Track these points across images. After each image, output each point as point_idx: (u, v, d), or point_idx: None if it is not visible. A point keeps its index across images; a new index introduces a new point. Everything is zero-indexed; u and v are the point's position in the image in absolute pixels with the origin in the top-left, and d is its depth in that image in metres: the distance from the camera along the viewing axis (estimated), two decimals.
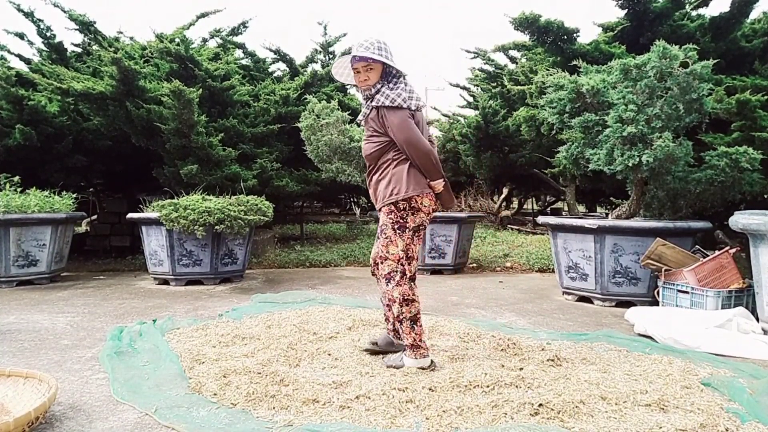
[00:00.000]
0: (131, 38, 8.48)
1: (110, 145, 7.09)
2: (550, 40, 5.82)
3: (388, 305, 2.87)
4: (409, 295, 2.75)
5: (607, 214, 5.79)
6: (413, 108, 2.74)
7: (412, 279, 2.80)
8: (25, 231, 5.40)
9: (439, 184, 2.80)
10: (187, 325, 3.72)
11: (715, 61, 4.44)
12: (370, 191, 2.91)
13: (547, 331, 3.69)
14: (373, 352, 2.99)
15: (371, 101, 2.77)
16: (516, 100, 7.73)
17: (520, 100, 7.36)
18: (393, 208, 2.74)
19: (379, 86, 2.75)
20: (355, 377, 2.63)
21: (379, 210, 2.82)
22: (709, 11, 6.32)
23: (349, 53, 2.89)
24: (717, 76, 5.13)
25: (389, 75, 2.78)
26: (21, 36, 7.61)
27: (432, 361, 2.79)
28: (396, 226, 2.75)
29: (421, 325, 2.78)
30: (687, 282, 4.03)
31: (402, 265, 2.76)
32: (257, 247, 7.24)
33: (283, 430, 2.10)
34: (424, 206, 2.76)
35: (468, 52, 10.47)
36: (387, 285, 2.78)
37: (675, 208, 4.79)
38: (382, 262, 2.80)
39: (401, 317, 2.74)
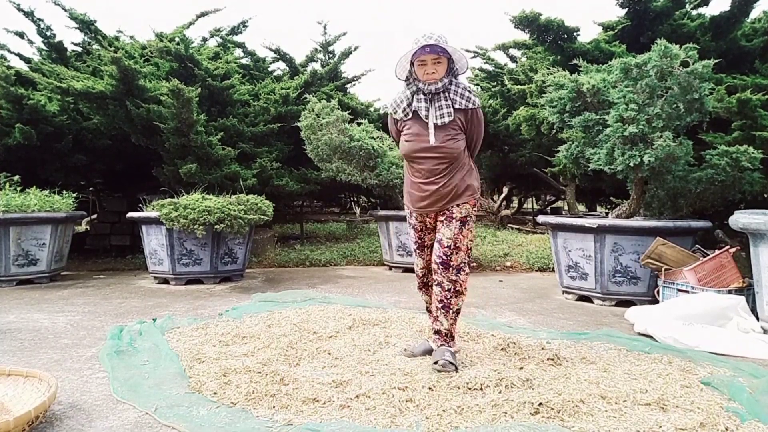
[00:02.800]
0: (131, 37, 8.48)
1: (110, 144, 7.09)
2: (551, 38, 5.82)
3: (443, 306, 2.80)
4: (465, 288, 2.85)
5: (607, 214, 5.79)
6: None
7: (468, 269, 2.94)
8: (25, 230, 5.40)
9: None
10: (187, 324, 3.72)
11: (715, 60, 4.44)
12: (445, 189, 2.74)
13: (547, 330, 3.69)
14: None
15: (463, 101, 2.73)
16: (516, 100, 7.73)
17: (520, 99, 7.36)
18: (467, 208, 2.81)
19: (446, 81, 2.69)
20: (355, 376, 2.62)
21: (462, 203, 2.78)
22: (710, 10, 6.33)
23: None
24: (717, 75, 5.13)
25: (452, 71, 2.75)
26: (21, 35, 7.61)
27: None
28: (472, 220, 2.84)
29: None
30: (687, 281, 4.03)
31: (469, 257, 2.87)
32: (257, 247, 7.24)
33: (283, 429, 2.10)
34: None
35: (468, 51, 10.46)
36: (459, 275, 2.80)
37: (675, 208, 4.79)
38: (455, 253, 2.75)
39: (458, 308, 2.84)
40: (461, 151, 2.76)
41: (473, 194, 2.83)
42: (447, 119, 2.71)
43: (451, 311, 2.82)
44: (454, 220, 2.76)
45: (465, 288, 2.85)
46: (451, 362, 2.69)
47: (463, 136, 2.78)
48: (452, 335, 2.85)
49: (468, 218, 2.82)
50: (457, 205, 2.78)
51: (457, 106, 2.72)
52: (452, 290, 2.79)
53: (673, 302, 3.84)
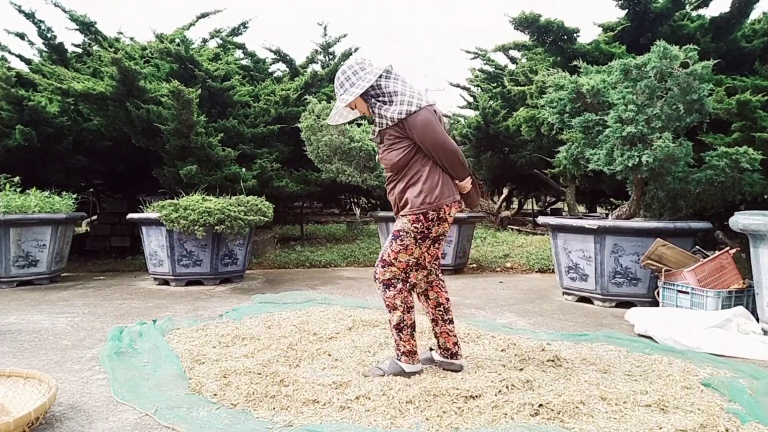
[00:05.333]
0: (131, 38, 8.48)
1: (110, 145, 7.09)
2: (551, 39, 5.82)
3: (434, 319, 2.80)
4: (411, 302, 2.70)
5: (607, 215, 5.79)
6: (431, 102, 2.63)
7: (413, 287, 2.77)
8: (25, 231, 5.40)
9: (467, 183, 2.71)
10: (187, 325, 3.72)
11: (715, 61, 4.44)
12: (393, 198, 2.74)
13: (547, 331, 3.69)
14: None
15: (381, 121, 2.66)
16: (516, 101, 7.73)
17: (520, 100, 7.36)
18: (421, 217, 2.59)
19: (375, 108, 2.65)
20: (355, 378, 2.63)
21: (402, 216, 2.66)
22: (710, 11, 6.34)
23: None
24: (717, 76, 5.13)
25: (370, 92, 2.66)
26: (21, 36, 7.62)
27: (422, 368, 2.75)
28: (419, 236, 2.62)
29: (412, 334, 2.71)
30: (687, 282, 4.03)
31: (406, 273, 2.70)
32: (257, 248, 7.24)
33: (283, 431, 2.10)
34: (450, 216, 2.67)
35: (468, 52, 10.48)
36: (387, 291, 2.67)
37: (675, 209, 4.79)
38: (384, 267, 2.67)
39: (402, 325, 2.66)
40: (404, 159, 2.61)
41: (412, 208, 2.59)
42: (372, 135, 2.81)
43: (402, 331, 2.67)
44: (401, 232, 2.65)
45: (397, 305, 2.65)
46: (378, 368, 2.70)
47: (403, 144, 2.61)
48: (413, 351, 2.68)
49: (401, 233, 2.63)
50: (404, 216, 2.65)
51: (382, 127, 2.67)
52: (388, 306, 2.70)
53: (673, 314, 3.80)
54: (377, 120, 2.67)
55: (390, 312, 2.69)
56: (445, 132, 2.65)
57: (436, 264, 2.83)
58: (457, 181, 2.70)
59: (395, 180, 2.71)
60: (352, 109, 2.79)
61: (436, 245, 2.75)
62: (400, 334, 2.67)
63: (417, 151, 2.62)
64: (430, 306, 2.82)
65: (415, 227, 2.62)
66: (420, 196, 2.59)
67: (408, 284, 2.71)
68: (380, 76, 2.65)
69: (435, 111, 2.66)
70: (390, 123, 2.61)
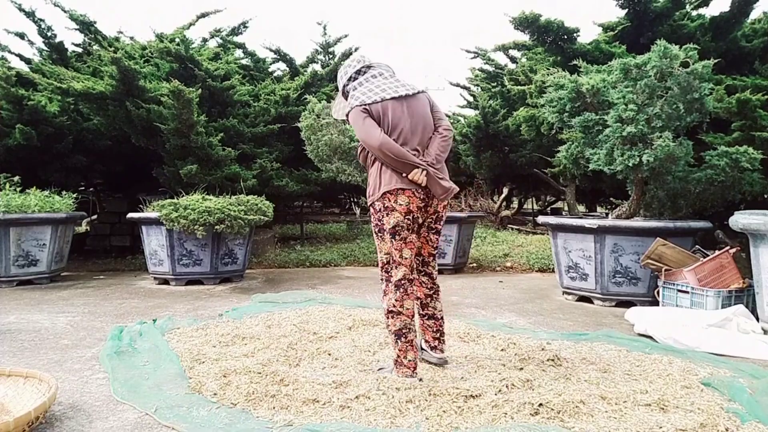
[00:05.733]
0: (131, 38, 8.48)
1: (110, 145, 7.09)
2: (550, 39, 5.82)
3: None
4: (393, 306, 2.59)
5: (607, 214, 5.79)
6: (365, 102, 2.62)
7: (398, 287, 2.60)
8: (25, 231, 5.40)
9: (415, 176, 2.55)
10: (187, 324, 3.72)
11: (715, 60, 4.44)
12: None
13: (547, 331, 3.69)
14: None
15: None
16: (516, 100, 7.72)
17: (520, 99, 7.36)
18: (372, 210, 2.66)
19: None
20: (355, 377, 2.62)
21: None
22: (710, 11, 6.33)
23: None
24: (717, 75, 5.13)
25: (345, 91, 2.82)
26: (21, 36, 7.62)
27: (420, 380, 2.58)
28: (376, 229, 2.66)
29: (407, 342, 2.57)
30: (687, 282, 4.03)
31: (387, 272, 2.65)
32: (257, 247, 7.24)
33: (283, 430, 2.10)
34: (400, 205, 2.56)
35: (468, 51, 10.48)
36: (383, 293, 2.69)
37: (675, 208, 4.79)
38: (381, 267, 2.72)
39: (387, 329, 2.64)
40: (362, 158, 2.76)
41: (369, 201, 2.68)
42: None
43: (390, 335, 2.64)
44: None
45: (388, 309, 2.60)
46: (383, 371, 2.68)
47: (360, 145, 2.77)
48: (398, 362, 2.59)
49: (376, 227, 2.68)
50: None
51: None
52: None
53: (673, 313, 3.81)
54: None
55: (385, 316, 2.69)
56: (372, 130, 2.57)
57: (418, 260, 2.80)
58: (404, 175, 2.58)
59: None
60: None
61: (398, 239, 2.59)
62: (395, 341, 2.61)
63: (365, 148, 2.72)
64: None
65: (372, 221, 2.70)
66: (369, 190, 2.69)
67: (391, 284, 2.62)
68: (349, 78, 2.80)
69: (370, 108, 2.61)
70: (344, 119, 2.78)
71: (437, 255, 2.89)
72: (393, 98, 2.65)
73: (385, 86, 2.69)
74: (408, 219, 2.60)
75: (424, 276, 2.83)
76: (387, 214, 2.59)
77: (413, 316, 2.64)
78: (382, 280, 2.69)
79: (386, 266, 2.67)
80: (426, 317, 2.83)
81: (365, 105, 2.62)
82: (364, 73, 2.79)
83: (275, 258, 7.09)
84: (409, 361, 2.59)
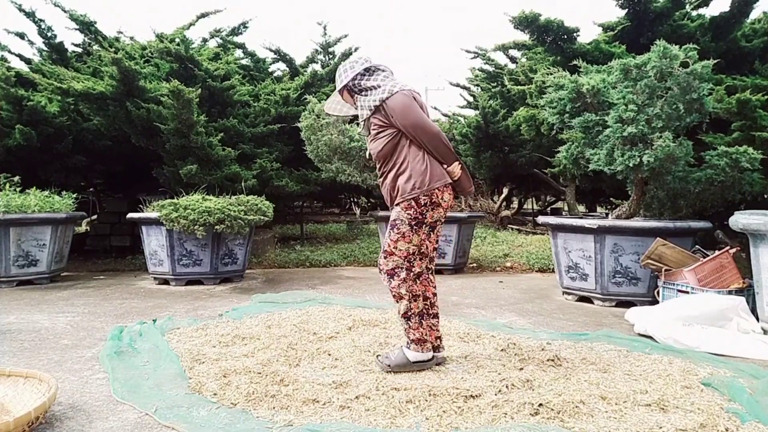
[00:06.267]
0: (131, 38, 8.48)
1: (110, 145, 7.09)
2: (550, 39, 5.82)
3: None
4: (417, 291, 2.71)
5: (607, 214, 5.79)
6: (407, 88, 2.69)
7: (419, 276, 2.74)
8: (25, 231, 5.40)
9: (456, 168, 2.70)
10: (187, 324, 3.72)
11: (715, 60, 4.44)
12: (385, 189, 2.81)
13: (547, 331, 3.69)
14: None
15: (362, 112, 2.79)
16: (516, 100, 7.73)
17: (520, 99, 7.36)
18: (413, 203, 2.64)
19: (357, 102, 2.80)
20: (355, 377, 2.63)
21: (395, 205, 2.74)
22: (709, 11, 6.33)
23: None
24: (717, 75, 5.13)
25: (356, 86, 2.78)
26: (21, 36, 7.62)
27: (434, 356, 2.78)
28: (414, 222, 2.67)
29: (429, 323, 2.75)
30: (687, 282, 4.03)
31: (409, 261, 2.71)
32: (257, 247, 7.24)
33: (283, 430, 2.10)
34: (444, 201, 2.69)
35: (468, 51, 10.48)
36: (391, 281, 2.70)
37: (675, 208, 4.79)
38: (386, 257, 2.72)
39: (409, 313, 2.70)
40: (388, 146, 2.70)
41: (403, 195, 2.66)
42: (360, 129, 2.87)
43: (411, 320, 2.71)
44: (396, 221, 2.71)
45: (402, 294, 2.69)
46: (386, 364, 2.71)
47: (387, 131, 2.70)
48: (422, 339, 2.71)
49: (397, 221, 2.69)
50: (398, 204, 2.72)
51: (363, 118, 2.79)
52: (394, 297, 2.73)
53: (674, 303, 3.84)
54: (359, 112, 2.79)
55: (397, 302, 2.73)
56: (426, 116, 2.68)
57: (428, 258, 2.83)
58: (445, 166, 2.68)
59: (385, 171, 2.78)
60: (347, 102, 2.92)
61: (434, 233, 2.75)
62: (409, 322, 2.72)
63: (401, 137, 2.69)
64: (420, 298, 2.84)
65: (408, 214, 2.67)
66: (410, 182, 2.64)
67: (412, 273, 2.71)
68: (357, 74, 2.77)
69: (414, 96, 2.70)
70: (369, 111, 2.71)
71: (438, 255, 2.91)
72: (417, 94, 2.76)
73: (405, 84, 2.75)
74: (445, 214, 2.76)
75: (431, 274, 2.88)
76: (432, 209, 2.67)
77: (432, 300, 2.80)
78: (399, 268, 2.69)
79: (410, 257, 2.71)
80: (432, 316, 2.83)
81: (414, 91, 2.69)
82: (374, 72, 2.79)
83: (275, 258, 7.09)
84: (429, 338, 2.75)
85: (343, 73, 2.81)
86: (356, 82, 2.78)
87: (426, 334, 2.73)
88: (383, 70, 2.81)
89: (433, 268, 2.91)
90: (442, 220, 2.77)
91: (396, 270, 2.70)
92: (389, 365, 2.72)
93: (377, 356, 2.85)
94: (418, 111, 2.64)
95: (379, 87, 2.71)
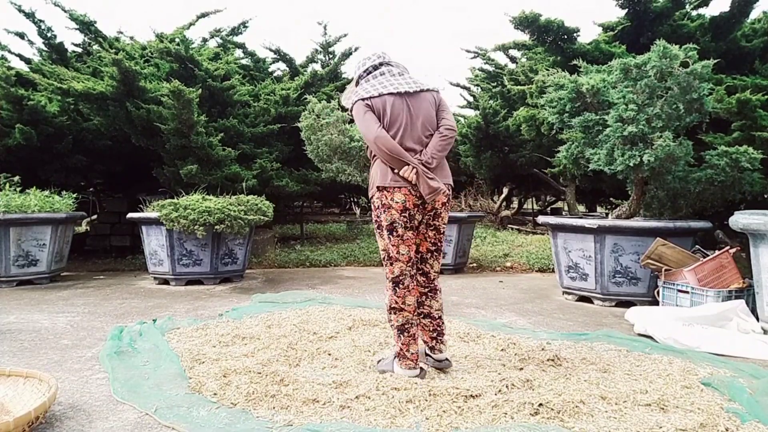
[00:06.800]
0: (131, 38, 8.48)
1: (110, 145, 7.09)
2: (551, 39, 5.82)
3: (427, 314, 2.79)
4: (395, 302, 2.64)
5: (607, 214, 5.79)
6: (365, 96, 2.66)
7: (397, 283, 2.64)
8: (25, 231, 5.40)
9: (405, 173, 2.57)
10: (187, 324, 3.72)
11: (715, 60, 4.44)
12: None
13: (547, 331, 3.69)
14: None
15: None
16: (516, 100, 7.73)
17: (520, 99, 7.36)
18: (372, 206, 2.72)
19: None
20: (355, 377, 2.63)
21: None
22: (709, 11, 6.33)
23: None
24: (717, 75, 5.13)
25: (359, 84, 2.86)
26: (21, 36, 7.62)
27: (422, 370, 2.68)
28: (375, 226, 2.73)
29: (410, 335, 2.65)
30: (687, 282, 4.03)
31: (388, 267, 2.69)
32: (257, 247, 7.24)
33: (283, 430, 2.10)
34: (396, 202, 2.59)
35: (468, 51, 10.49)
36: (385, 272, 2.73)
37: (675, 208, 4.79)
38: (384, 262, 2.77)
39: (390, 324, 2.71)
40: (366, 152, 2.81)
41: (370, 189, 2.74)
42: None
43: (392, 330, 2.71)
44: None
45: (389, 305, 2.66)
46: (385, 371, 2.69)
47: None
48: (401, 355, 2.65)
49: (375, 223, 2.72)
50: None
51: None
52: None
53: (674, 308, 3.84)
54: None
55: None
56: (370, 124, 2.60)
57: (415, 258, 2.76)
58: (395, 171, 2.61)
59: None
60: None
61: (395, 235, 2.61)
62: (393, 332, 2.71)
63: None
64: None
65: (372, 216, 2.74)
66: (369, 185, 2.74)
67: (389, 282, 2.67)
68: (365, 71, 2.82)
69: (371, 102, 2.64)
70: (348, 107, 2.80)
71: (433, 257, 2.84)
72: (392, 93, 2.66)
73: (387, 83, 2.71)
74: (404, 216, 2.62)
75: (421, 275, 2.77)
76: (384, 211, 2.63)
77: (415, 311, 2.67)
78: (387, 276, 2.72)
79: (387, 261, 2.70)
80: (422, 316, 2.77)
81: (366, 99, 2.67)
82: (375, 69, 2.81)
83: (275, 258, 7.09)
84: (412, 353, 2.66)
85: (358, 66, 2.88)
86: (359, 80, 2.85)
87: (405, 350, 2.65)
88: (380, 70, 2.78)
89: (426, 270, 2.77)
90: (401, 222, 2.60)
91: (386, 275, 2.73)
92: (378, 370, 2.75)
93: (378, 361, 2.84)
94: (361, 119, 2.65)
95: (356, 90, 2.77)
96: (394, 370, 2.68)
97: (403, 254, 2.64)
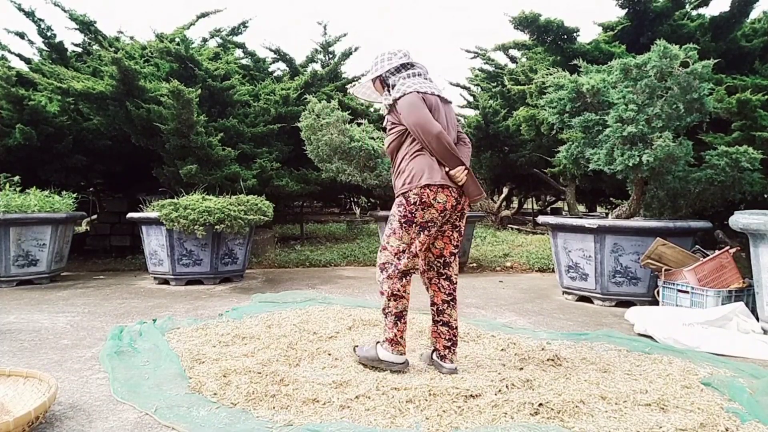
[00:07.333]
0: (131, 38, 8.48)
1: (110, 144, 7.09)
2: (550, 39, 5.82)
3: (444, 322, 2.78)
4: (399, 291, 2.67)
5: (607, 214, 5.79)
6: (420, 90, 2.68)
7: (405, 274, 2.69)
8: (25, 231, 5.40)
9: (458, 173, 2.63)
10: (187, 324, 3.72)
11: (715, 60, 4.44)
12: (393, 184, 2.86)
13: (547, 330, 3.69)
14: None
15: (383, 109, 2.87)
16: (516, 100, 7.73)
17: (520, 99, 7.37)
18: (403, 200, 2.64)
19: (386, 93, 2.84)
20: (355, 377, 2.63)
21: (395, 201, 2.78)
22: (709, 11, 6.34)
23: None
24: (717, 75, 5.13)
25: (387, 81, 2.83)
26: (21, 35, 7.61)
27: (407, 361, 2.73)
28: (403, 220, 2.64)
29: (405, 323, 2.71)
30: (687, 282, 4.03)
31: (398, 258, 2.68)
32: (257, 247, 7.24)
33: (283, 430, 2.10)
34: (438, 202, 2.61)
35: (468, 51, 10.49)
36: (380, 275, 2.73)
37: (675, 208, 4.79)
38: (381, 251, 2.75)
39: (387, 311, 2.71)
40: (395, 143, 2.76)
41: (396, 191, 2.72)
42: (385, 123, 2.88)
43: (387, 317, 2.72)
44: (391, 215, 2.76)
45: (384, 290, 2.70)
46: (367, 357, 2.74)
47: (395, 129, 2.75)
48: (395, 341, 2.69)
49: (391, 217, 2.73)
50: (395, 200, 2.76)
51: (384, 111, 2.85)
52: (379, 290, 2.75)
53: (675, 311, 3.84)
54: (383, 105, 2.85)
55: (380, 297, 2.75)
56: (431, 117, 2.64)
57: (439, 262, 2.76)
58: (446, 170, 2.64)
59: (393, 167, 2.83)
60: (377, 91, 2.96)
61: (425, 234, 2.65)
62: (386, 320, 2.73)
63: (407, 136, 2.71)
64: (429, 302, 2.83)
65: (399, 210, 2.68)
66: (403, 178, 2.68)
67: (398, 271, 2.67)
68: (392, 68, 2.81)
69: (425, 97, 2.68)
70: (386, 109, 2.79)
71: (451, 260, 2.85)
72: (437, 96, 2.75)
73: (427, 85, 2.76)
74: (441, 216, 2.66)
75: (445, 280, 2.77)
76: (423, 209, 2.62)
77: (409, 300, 2.75)
78: (389, 264, 2.69)
79: (400, 254, 2.67)
80: (440, 323, 2.76)
81: (422, 93, 2.69)
82: (408, 68, 2.82)
83: (275, 258, 7.09)
84: (404, 340, 2.73)
85: (379, 62, 2.85)
86: (387, 74, 2.83)
87: (399, 336, 2.69)
88: (414, 71, 2.81)
89: (450, 274, 2.78)
90: (437, 222, 2.65)
91: (386, 265, 2.71)
92: (359, 355, 2.79)
93: (354, 347, 2.89)
94: (421, 110, 2.63)
95: (395, 86, 2.75)
96: (380, 356, 2.71)
97: (418, 250, 2.68)
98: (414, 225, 2.64)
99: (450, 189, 2.64)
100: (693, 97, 4.18)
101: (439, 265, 2.77)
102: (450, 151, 2.62)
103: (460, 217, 2.76)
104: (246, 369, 2.69)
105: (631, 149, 4.26)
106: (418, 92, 2.66)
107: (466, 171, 2.65)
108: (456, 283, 2.80)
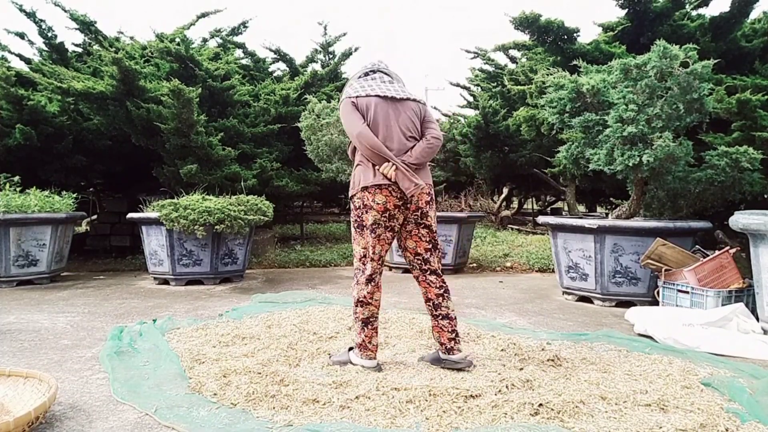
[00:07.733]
0: (131, 38, 8.48)
1: (110, 144, 7.09)
2: (551, 39, 5.82)
3: (443, 316, 2.79)
4: (364, 297, 2.73)
5: (607, 214, 5.79)
6: (352, 95, 2.75)
7: (370, 280, 2.72)
8: (25, 231, 5.40)
9: (384, 170, 2.62)
10: (187, 324, 3.72)
11: (715, 60, 4.44)
12: None
13: (547, 331, 3.69)
14: None
15: None
16: (516, 100, 7.73)
17: (520, 99, 7.36)
18: (352, 205, 2.78)
19: None
20: (355, 377, 2.63)
21: None
22: (709, 11, 6.34)
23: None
24: (717, 75, 5.13)
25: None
26: (22, 36, 7.62)
27: (378, 365, 2.75)
28: (355, 225, 2.78)
29: (373, 329, 2.75)
30: (687, 282, 4.03)
31: (364, 264, 2.75)
32: (257, 247, 7.24)
33: (283, 430, 2.10)
34: (377, 203, 2.65)
35: (468, 51, 10.49)
36: (353, 281, 2.81)
37: (675, 208, 4.79)
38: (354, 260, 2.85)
39: (355, 316, 2.78)
40: (350, 153, 2.88)
41: (350, 195, 2.80)
42: None
43: (355, 322, 2.79)
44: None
45: (358, 299, 2.73)
46: (341, 362, 2.80)
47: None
48: (364, 345, 2.75)
49: (355, 222, 2.78)
50: None
51: None
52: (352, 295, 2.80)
53: (675, 311, 3.84)
54: None
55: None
56: (354, 119, 2.69)
57: (418, 260, 2.80)
58: (377, 168, 2.66)
59: None
60: None
61: (374, 237, 2.69)
62: (354, 325, 2.80)
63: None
64: (424, 300, 2.85)
65: (352, 216, 2.79)
66: (352, 183, 2.79)
67: (364, 276, 2.74)
68: (360, 76, 2.90)
69: (358, 100, 2.73)
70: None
71: (437, 256, 2.87)
72: (378, 96, 2.75)
73: (375, 85, 2.80)
74: (385, 217, 2.69)
75: (431, 275, 2.80)
76: (366, 212, 2.70)
77: (379, 306, 2.78)
78: (358, 270, 2.79)
79: (363, 259, 2.76)
80: (440, 317, 2.79)
81: (352, 98, 2.76)
82: (370, 74, 2.89)
83: (275, 258, 7.09)
84: (374, 345, 2.77)
85: (358, 71, 2.97)
86: (354, 81, 2.93)
87: (367, 342, 2.74)
88: (375, 75, 2.86)
89: (434, 268, 2.80)
90: (381, 223, 2.67)
91: (356, 272, 2.80)
92: (333, 361, 2.84)
93: (330, 356, 2.94)
94: (346, 116, 2.73)
95: (346, 90, 2.84)
96: (352, 360, 2.78)
97: (377, 254, 2.74)
98: (365, 228, 2.72)
99: (390, 189, 2.66)
100: (693, 98, 4.18)
101: (419, 262, 2.82)
102: (371, 150, 2.64)
103: (422, 215, 2.75)
104: (246, 369, 2.69)
105: (631, 149, 4.26)
106: (349, 97, 2.75)
107: (393, 167, 2.63)
108: (442, 276, 2.84)
